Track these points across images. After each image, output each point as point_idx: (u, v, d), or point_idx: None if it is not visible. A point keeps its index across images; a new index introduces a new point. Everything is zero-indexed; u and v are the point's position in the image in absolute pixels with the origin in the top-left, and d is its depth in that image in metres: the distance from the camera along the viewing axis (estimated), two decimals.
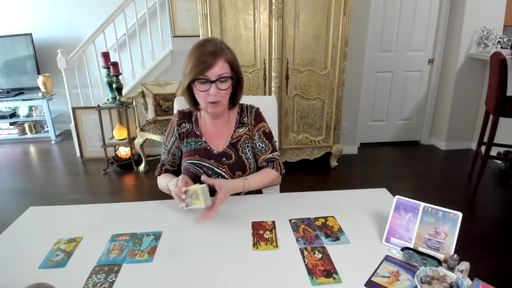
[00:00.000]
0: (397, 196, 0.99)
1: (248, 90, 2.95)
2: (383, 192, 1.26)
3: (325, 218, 1.08)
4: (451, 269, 0.82)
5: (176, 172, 1.36)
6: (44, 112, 4.22)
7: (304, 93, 3.03)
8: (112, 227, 1.06)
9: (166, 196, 1.25)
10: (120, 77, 3.31)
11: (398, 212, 0.97)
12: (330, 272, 0.85)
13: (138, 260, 0.91)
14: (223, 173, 1.26)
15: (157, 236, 1.01)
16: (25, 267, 0.89)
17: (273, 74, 2.91)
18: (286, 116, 3.08)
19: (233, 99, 1.27)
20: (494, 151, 3.01)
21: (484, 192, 2.82)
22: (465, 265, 0.80)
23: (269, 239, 0.98)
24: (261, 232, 1.01)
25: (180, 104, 1.49)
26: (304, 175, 3.18)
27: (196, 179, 1.19)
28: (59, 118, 4.47)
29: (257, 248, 0.94)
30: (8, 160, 3.79)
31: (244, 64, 2.86)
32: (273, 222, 1.06)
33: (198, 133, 1.30)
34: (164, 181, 1.26)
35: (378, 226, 1.03)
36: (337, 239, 0.98)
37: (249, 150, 1.31)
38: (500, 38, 3.29)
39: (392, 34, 3.55)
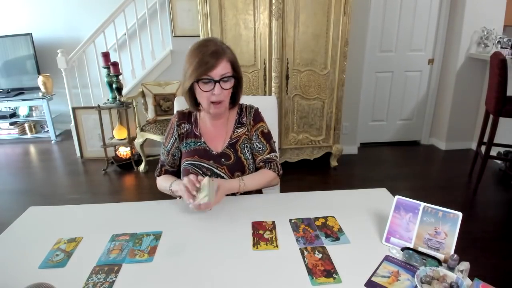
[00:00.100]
0: (397, 196, 0.99)
1: (248, 90, 2.95)
2: (383, 192, 1.26)
3: (325, 218, 1.08)
4: (451, 269, 0.82)
5: (176, 173, 1.36)
6: (44, 112, 4.22)
7: (304, 93, 3.03)
8: (112, 227, 1.06)
9: (166, 196, 1.25)
10: (120, 77, 3.31)
11: (398, 212, 0.97)
12: (330, 272, 0.85)
13: (138, 260, 0.91)
14: (222, 174, 1.26)
15: (157, 236, 1.01)
16: (25, 267, 0.89)
17: (273, 74, 2.91)
18: (286, 116, 3.08)
19: (233, 99, 1.27)
20: (494, 151, 3.01)
21: (484, 192, 2.82)
22: (465, 265, 0.80)
23: (269, 239, 0.98)
24: (261, 232, 1.01)
25: (180, 104, 1.49)
26: (304, 175, 3.18)
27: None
28: (59, 118, 4.47)
29: (257, 248, 0.94)
30: (8, 160, 3.79)
31: (244, 64, 2.86)
32: (273, 222, 1.06)
33: (197, 133, 1.30)
34: (165, 182, 1.26)
35: (378, 226, 1.03)
36: (337, 239, 0.98)
37: (248, 151, 1.31)
38: (500, 38, 3.29)
39: (392, 34, 3.55)
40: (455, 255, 0.83)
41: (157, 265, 0.89)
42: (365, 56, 3.41)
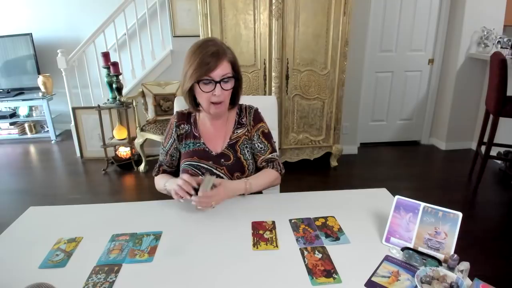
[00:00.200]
0: (397, 196, 0.99)
1: (248, 90, 2.95)
2: (383, 192, 1.26)
3: (325, 218, 1.08)
4: (451, 269, 0.82)
5: (174, 173, 1.36)
6: (44, 112, 4.22)
7: (304, 93, 3.03)
8: (112, 227, 1.06)
9: (166, 196, 1.25)
10: (120, 77, 3.31)
11: (398, 212, 0.97)
12: (330, 272, 0.85)
13: (138, 260, 0.91)
14: (221, 175, 1.26)
15: (157, 236, 1.01)
16: (25, 267, 0.89)
17: (273, 74, 2.91)
18: (286, 116, 3.08)
19: (233, 99, 1.27)
20: (494, 151, 3.01)
21: (484, 192, 2.82)
22: (465, 265, 0.80)
23: (269, 239, 0.98)
24: (261, 232, 1.01)
25: (180, 104, 1.49)
26: (304, 175, 3.18)
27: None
28: (59, 118, 4.47)
29: (257, 248, 0.94)
30: (8, 160, 3.79)
31: (244, 64, 2.86)
32: (273, 222, 1.06)
33: (196, 134, 1.30)
34: (162, 182, 1.26)
35: (378, 226, 1.03)
36: (337, 239, 0.98)
37: (248, 151, 1.31)
38: (500, 38, 3.29)
39: (392, 34, 3.55)
40: (455, 255, 0.83)
41: (157, 265, 0.89)
42: (365, 56, 3.41)
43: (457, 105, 3.59)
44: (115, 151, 3.49)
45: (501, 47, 3.24)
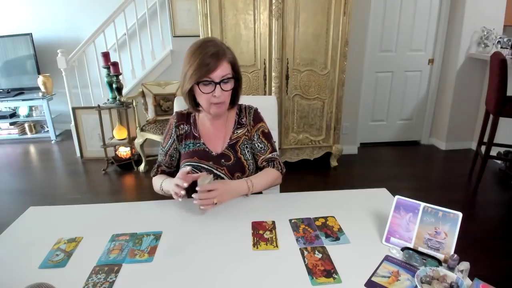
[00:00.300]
0: (397, 196, 0.99)
1: (248, 90, 2.95)
2: (383, 192, 1.26)
3: (325, 218, 1.08)
4: (451, 269, 0.82)
5: (172, 174, 1.36)
6: (44, 112, 4.22)
7: (304, 93, 3.03)
8: (112, 227, 1.06)
9: (166, 196, 1.24)
10: (120, 77, 3.31)
11: (398, 212, 0.97)
12: (330, 272, 0.85)
13: (138, 260, 0.91)
14: (222, 175, 1.26)
15: (157, 236, 1.01)
16: (25, 267, 0.89)
17: (273, 74, 2.91)
18: (286, 116, 3.08)
19: (232, 100, 1.26)
20: (494, 151, 3.01)
21: (484, 192, 2.82)
22: (465, 265, 0.80)
23: (269, 239, 0.98)
24: (261, 232, 1.01)
25: (180, 104, 1.49)
26: (304, 175, 3.18)
27: (195, 183, 1.19)
28: (59, 118, 4.47)
29: (257, 248, 0.94)
30: (8, 160, 3.79)
31: (244, 64, 2.86)
32: (273, 222, 1.06)
33: (196, 134, 1.29)
34: (159, 182, 1.25)
35: (378, 226, 1.03)
36: (337, 239, 0.98)
37: (248, 151, 1.31)
38: (500, 38, 3.29)
39: (392, 34, 3.55)
40: (455, 255, 0.83)
41: (157, 265, 0.89)
42: (365, 56, 3.41)
43: (457, 105, 3.59)
44: (115, 151, 3.49)
45: (501, 47, 3.24)
